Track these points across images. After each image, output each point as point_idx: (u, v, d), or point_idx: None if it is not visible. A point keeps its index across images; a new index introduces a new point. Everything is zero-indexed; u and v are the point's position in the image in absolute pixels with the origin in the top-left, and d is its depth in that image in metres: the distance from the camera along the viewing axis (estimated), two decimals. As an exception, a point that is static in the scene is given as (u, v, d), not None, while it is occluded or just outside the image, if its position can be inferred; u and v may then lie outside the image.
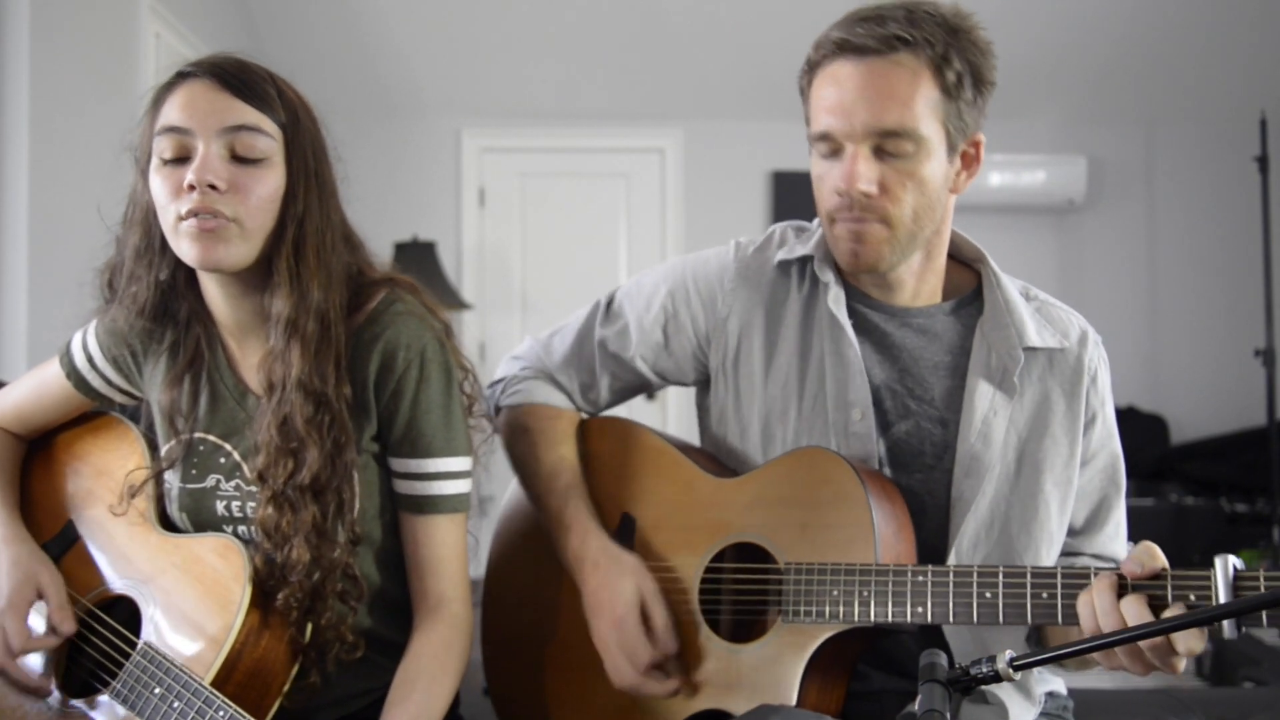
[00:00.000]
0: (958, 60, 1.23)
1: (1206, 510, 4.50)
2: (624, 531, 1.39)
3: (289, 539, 1.21)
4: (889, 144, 1.23)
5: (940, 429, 1.32)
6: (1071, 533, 1.36)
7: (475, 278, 5.16)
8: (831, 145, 1.25)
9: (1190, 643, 1.02)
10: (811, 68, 1.29)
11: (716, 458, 1.43)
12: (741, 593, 1.30)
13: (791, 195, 5.05)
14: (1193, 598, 1.04)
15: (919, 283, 1.34)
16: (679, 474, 1.38)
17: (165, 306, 1.29)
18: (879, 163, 1.24)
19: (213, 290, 1.27)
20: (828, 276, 1.35)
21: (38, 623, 1.28)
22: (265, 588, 1.22)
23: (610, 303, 1.50)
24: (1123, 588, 1.06)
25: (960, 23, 1.25)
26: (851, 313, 1.35)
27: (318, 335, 1.22)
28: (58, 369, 1.39)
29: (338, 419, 1.22)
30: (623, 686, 1.29)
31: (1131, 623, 1.04)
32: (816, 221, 1.43)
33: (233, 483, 1.29)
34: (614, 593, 1.30)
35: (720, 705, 1.26)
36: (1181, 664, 1.06)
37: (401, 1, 4.54)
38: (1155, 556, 1.07)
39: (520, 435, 1.47)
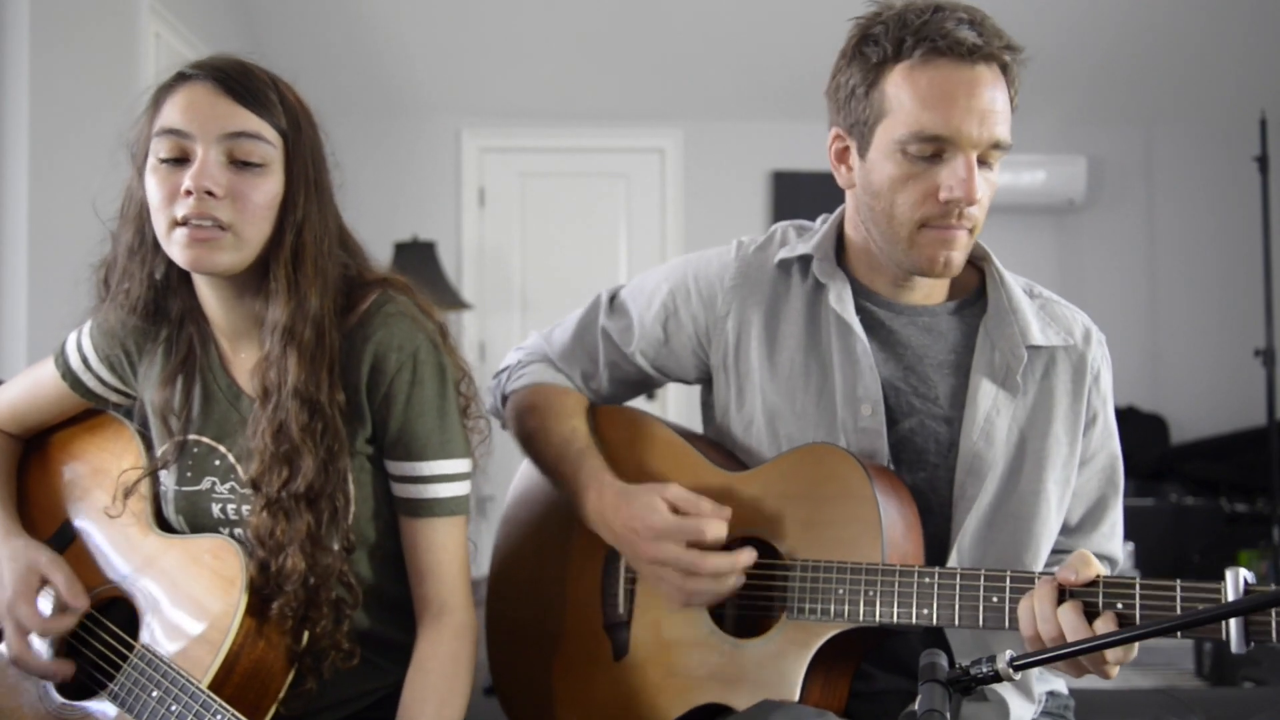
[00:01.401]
0: (1017, 80, 1.25)
1: (1206, 510, 4.50)
2: None
3: (284, 547, 1.20)
4: (991, 154, 1.24)
5: (944, 427, 1.32)
6: (1066, 531, 1.36)
7: (475, 278, 5.16)
8: (935, 148, 1.22)
9: (1119, 652, 1.06)
10: (888, 60, 1.23)
11: (724, 448, 1.43)
12: (747, 588, 1.30)
13: (791, 195, 5.05)
14: (1120, 606, 1.06)
15: (932, 285, 1.35)
16: (688, 466, 1.38)
17: (158, 304, 1.28)
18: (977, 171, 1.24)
19: (206, 293, 1.26)
20: (829, 277, 1.35)
21: (47, 609, 1.28)
22: (261, 595, 1.21)
23: (614, 298, 1.51)
24: (1062, 595, 1.09)
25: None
26: (858, 309, 1.35)
27: (313, 343, 1.21)
28: (53, 370, 1.39)
29: (331, 426, 1.22)
30: (692, 594, 1.26)
31: (1067, 629, 1.06)
32: (820, 220, 1.43)
33: (227, 485, 1.29)
34: (644, 511, 1.28)
35: (722, 700, 1.26)
36: (1114, 671, 1.09)
37: (402, 1, 4.54)
38: (1090, 564, 1.09)
39: (529, 413, 1.47)
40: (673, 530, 1.26)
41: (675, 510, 1.27)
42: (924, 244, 1.26)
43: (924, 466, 1.32)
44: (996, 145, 1.23)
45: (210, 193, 1.15)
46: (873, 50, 1.25)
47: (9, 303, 2.96)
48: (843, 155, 1.33)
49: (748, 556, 1.25)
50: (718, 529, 1.26)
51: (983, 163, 1.23)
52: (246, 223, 1.17)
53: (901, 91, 1.23)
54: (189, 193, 1.15)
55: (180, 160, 1.17)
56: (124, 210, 1.26)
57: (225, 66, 1.20)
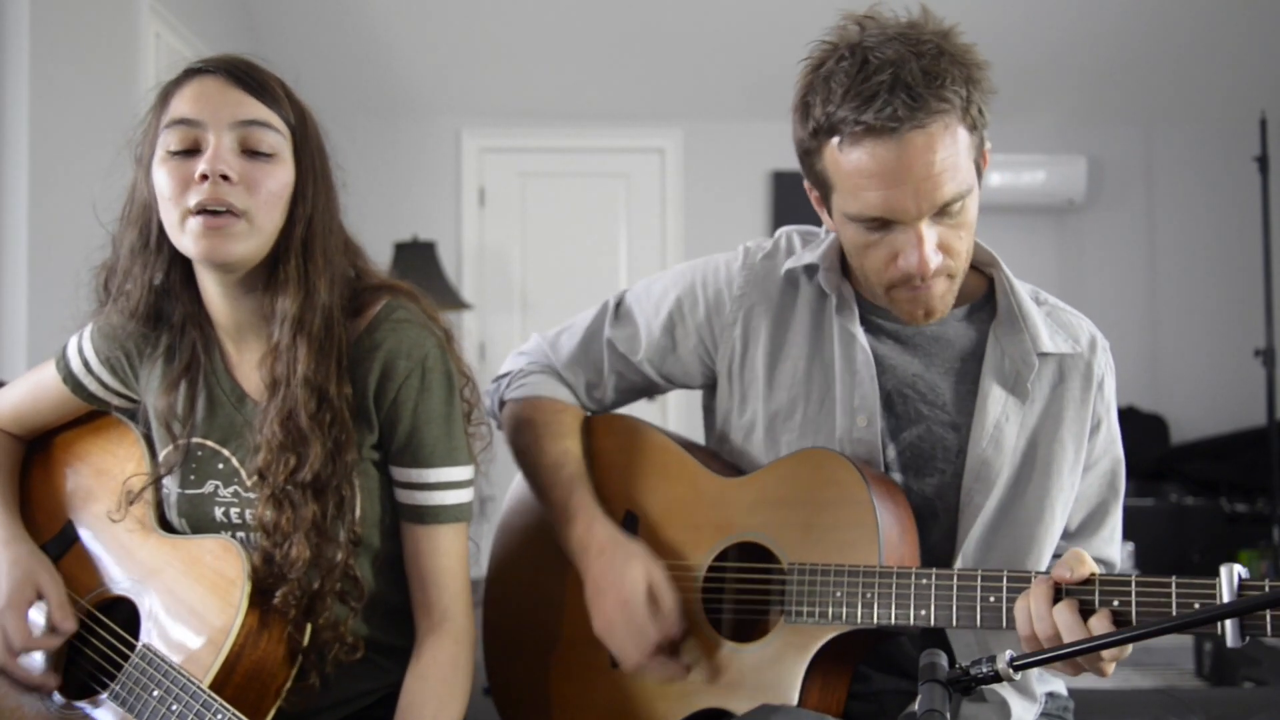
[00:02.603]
0: (975, 96, 1.18)
1: (1206, 510, 4.50)
2: (627, 529, 1.39)
3: (289, 536, 1.20)
4: (948, 209, 1.19)
5: (953, 434, 1.32)
6: (1066, 535, 1.36)
7: (475, 278, 5.16)
8: (881, 222, 1.19)
9: (1115, 650, 1.05)
10: (822, 133, 1.19)
11: (721, 456, 1.43)
12: (744, 592, 1.30)
13: (791, 195, 5.05)
14: (1116, 603, 1.06)
15: None
16: (684, 472, 1.38)
17: (159, 309, 1.28)
18: (937, 226, 1.20)
19: (212, 290, 1.26)
20: (834, 287, 1.35)
21: (38, 622, 1.28)
22: (264, 586, 1.21)
23: (620, 304, 1.51)
24: (1058, 593, 1.09)
25: (965, 55, 1.18)
26: (864, 318, 1.35)
27: (322, 333, 1.22)
28: (54, 372, 1.38)
29: (339, 417, 1.22)
30: (626, 669, 1.30)
31: (1063, 628, 1.06)
32: (825, 229, 1.43)
33: (231, 489, 1.29)
34: (620, 575, 1.30)
35: (721, 704, 1.26)
36: (1110, 668, 1.09)
37: (402, 2, 4.54)
38: (1084, 563, 1.09)
39: (525, 428, 1.47)
40: (635, 614, 1.28)
41: (651, 592, 1.29)
42: (900, 301, 1.26)
43: (932, 473, 1.32)
44: (949, 203, 1.18)
45: (225, 177, 1.16)
46: (809, 120, 1.21)
47: (9, 304, 2.96)
48: (820, 203, 1.31)
49: (677, 668, 1.29)
50: (669, 628, 1.28)
51: (944, 215, 1.20)
52: (260, 209, 1.18)
53: (837, 172, 1.20)
54: (204, 177, 1.15)
55: (191, 152, 1.17)
56: (126, 212, 1.26)
57: (233, 60, 1.22)
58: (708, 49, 4.77)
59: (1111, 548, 1.38)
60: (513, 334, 5.12)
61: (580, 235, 5.20)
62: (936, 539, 1.29)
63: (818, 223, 1.45)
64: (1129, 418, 4.96)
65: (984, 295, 1.37)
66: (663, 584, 1.30)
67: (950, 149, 1.17)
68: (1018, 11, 4.36)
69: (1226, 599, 1.00)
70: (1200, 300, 5.22)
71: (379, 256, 1.37)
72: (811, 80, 1.21)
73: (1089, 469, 1.35)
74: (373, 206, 4.47)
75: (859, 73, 1.15)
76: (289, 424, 1.20)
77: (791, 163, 1.25)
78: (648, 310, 1.47)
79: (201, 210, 1.16)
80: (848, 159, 1.18)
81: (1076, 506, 1.36)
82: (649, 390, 1.53)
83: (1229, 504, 4.59)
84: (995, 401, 1.30)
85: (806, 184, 1.31)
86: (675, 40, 4.74)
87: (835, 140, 1.18)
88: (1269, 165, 4.27)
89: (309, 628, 1.23)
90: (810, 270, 1.38)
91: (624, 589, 1.29)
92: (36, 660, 1.29)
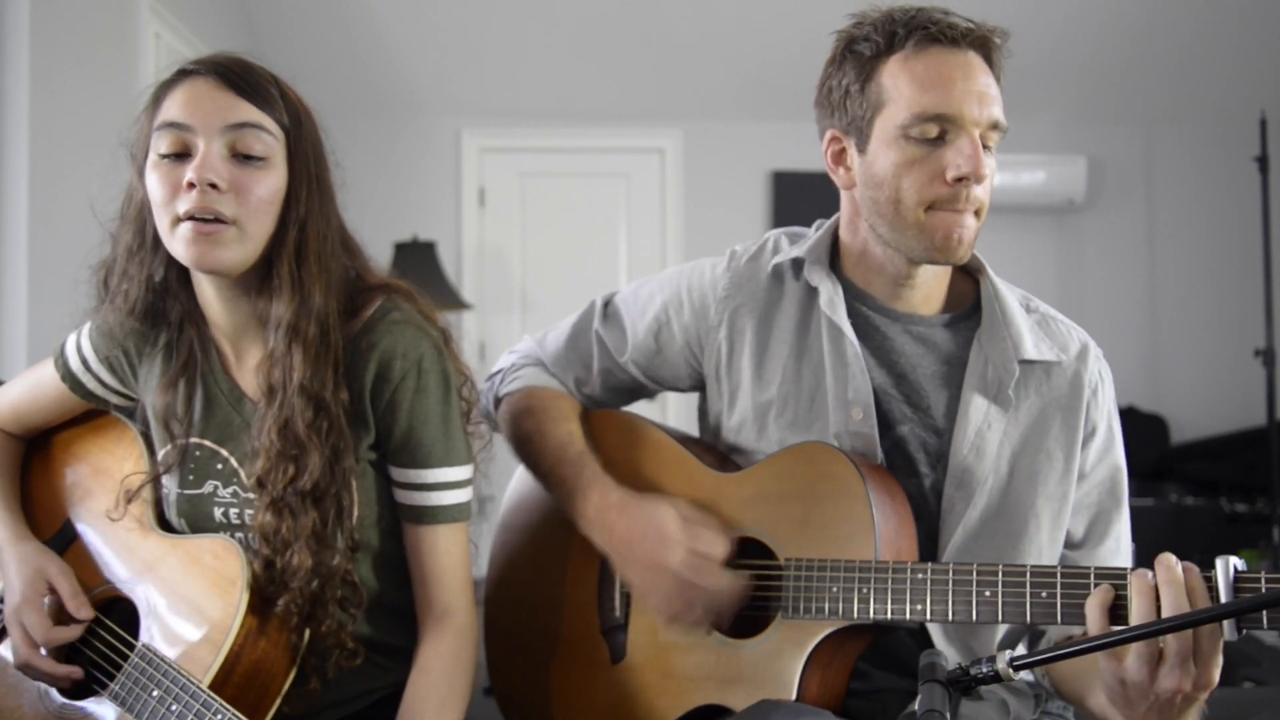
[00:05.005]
0: (1003, 65, 1.27)
1: (1206, 510, 4.50)
2: None
3: (289, 545, 1.20)
4: (990, 136, 1.25)
5: (935, 438, 1.31)
6: (1072, 545, 1.34)
7: (475, 278, 5.16)
8: (939, 129, 1.22)
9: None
10: (881, 51, 1.25)
11: (718, 450, 1.43)
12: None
13: (791, 195, 5.05)
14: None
15: (930, 289, 1.34)
16: (681, 468, 1.38)
17: (157, 307, 1.28)
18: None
19: (208, 292, 1.26)
20: (820, 280, 1.35)
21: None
22: (265, 594, 1.21)
23: (608, 304, 1.51)
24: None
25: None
26: (851, 313, 1.35)
27: (318, 340, 1.21)
28: (52, 371, 1.38)
29: (336, 424, 1.22)
30: (686, 607, 1.27)
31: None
32: (815, 225, 1.43)
33: (230, 489, 1.29)
34: (650, 519, 1.28)
35: (719, 700, 1.27)
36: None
37: (402, 2, 4.55)
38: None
39: (524, 415, 1.47)
40: (682, 538, 1.26)
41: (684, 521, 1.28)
42: (934, 225, 1.24)
43: (914, 474, 1.32)
44: (995, 126, 1.24)
45: (213, 185, 1.15)
46: (864, 46, 1.26)
47: (9, 303, 2.96)
48: (839, 157, 1.33)
49: (743, 580, 1.27)
50: (722, 547, 1.26)
51: (986, 140, 1.24)
52: (250, 217, 1.17)
53: (899, 80, 1.23)
54: (191, 186, 1.15)
55: (182, 155, 1.17)
56: (124, 211, 1.26)
57: (226, 62, 1.20)
58: (708, 49, 4.77)
59: (1118, 559, 1.34)
60: (513, 334, 5.12)
61: (580, 235, 5.20)
62: (919, 541, 1.29)
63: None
64: (1129, 418, 4.96)
65: (971, 303, 1.36)
66: (693, 514, 1.28)
67: (995, 84, 1.25)
68: (1017, 11, 4.35)
69: (1222, 592, 1.00)
70: (1200, 300, 5.22)
71: (379, 256, 1.37)
72: (859, 27, 1.28)
73: (1084, 477, 1.33)
74: (373, 206, 4.46)
75: (920, 11, 1.25)
76: (286, 432, 1.20)
77: (791, 163, 1.24)
78: (634, 313, 1.47)
79: (190, 217, 1.15)
80: (917, 62, 1.23)
81: (1076, 516, 1.34)
82: (637, 391, 1.53)
83: (1229, 504, 4.58)
84: (977, 409, 1.29)
85: (831, 135, 1.33)
86: (675, 40, 4.74)
87: (899, 54, 1.24)
88: (1269, 165, 4.27)
89: (308, 632, 1.23)
90: (797, 265, 1.38)
91: (663, 529, 1.27)
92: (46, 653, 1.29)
